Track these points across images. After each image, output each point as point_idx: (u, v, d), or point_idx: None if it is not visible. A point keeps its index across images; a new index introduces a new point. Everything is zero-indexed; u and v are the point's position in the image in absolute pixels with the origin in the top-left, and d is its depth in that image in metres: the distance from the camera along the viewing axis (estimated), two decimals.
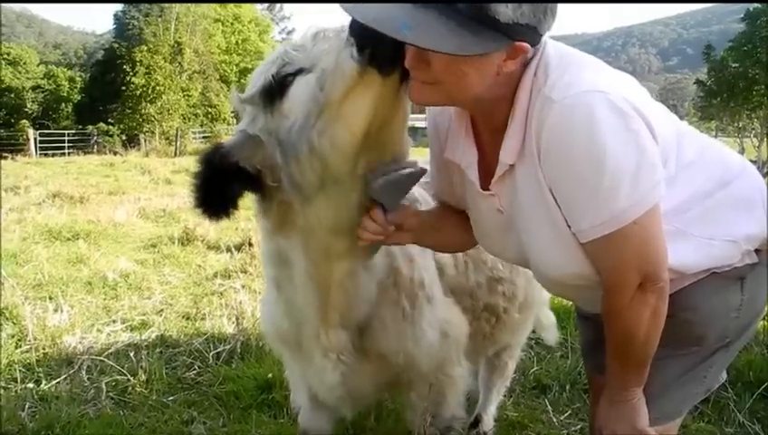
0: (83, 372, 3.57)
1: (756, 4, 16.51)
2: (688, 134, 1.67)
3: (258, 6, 53.04)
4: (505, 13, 1.32)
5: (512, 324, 2.49)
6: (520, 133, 1.51)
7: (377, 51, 1.46)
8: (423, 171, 1.76)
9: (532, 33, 1.40)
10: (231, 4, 42.82)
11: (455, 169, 1.76)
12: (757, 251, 1.66)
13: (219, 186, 1.64)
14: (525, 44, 1.40)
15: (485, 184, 1.67)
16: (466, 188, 1.76)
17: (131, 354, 3.73)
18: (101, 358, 3.71)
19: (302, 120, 1.57)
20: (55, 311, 4.48)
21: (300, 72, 1.59)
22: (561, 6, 1.43)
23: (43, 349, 3.87)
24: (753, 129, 17.57)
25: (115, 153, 24.56)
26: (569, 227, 1.51)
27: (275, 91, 1.61)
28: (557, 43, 1.56)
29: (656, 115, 1.47)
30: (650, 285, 1.49)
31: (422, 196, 2.15)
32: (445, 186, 1.88)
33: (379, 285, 1.95)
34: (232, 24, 42.11)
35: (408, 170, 1.72)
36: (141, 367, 3.54)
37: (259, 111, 1.67)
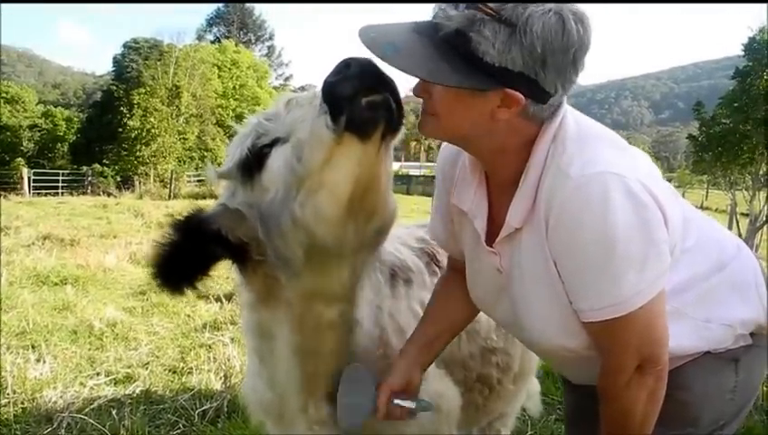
0: (63, 431, 3.46)
1: (746, 62, 16.87)
2: (689, 215, 1.65)
3: (256, 53, 53.89)
4: (490, 53, 1.30)
5: (506, 395, 2.42)
6: (530, 198, 1.47)
7: (352, 116, 1.40)
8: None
9: (531, 86, 1.35)
10: (231, 50, 43.48)
11: (459, 215, 1.72)
12: (752, 334, 1.65)
13: (196, 249, 1.57)
14: (518, 94, 1.35)
15: (489, 240, 1.62)
16: (469, 237, 1.71)
17: (113, 412, 3.62)
18: (81, 415, 3.59)
19: (283, 193, 1.51)
20: (37, 361, 4.40)
21: (276, 142, 1.55)
22: None
23: (22, 403, 3.76)
24: (744, 183, 17.75)
25: (109, 194, 24.56)
26: (570, 301, 1.47)
27: (253, 163, 1.57)
28: (578, 113, 1.53)
29: (667, 201, 1.43)
30: (650, 367, 1.47)
31: (415, 264, 2.10)
32: (443, 230, 1.84)
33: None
34: (230, 69, 42.74)
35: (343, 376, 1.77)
36: (123, 425, 3.44)
37: (238, 184, 1.63)
